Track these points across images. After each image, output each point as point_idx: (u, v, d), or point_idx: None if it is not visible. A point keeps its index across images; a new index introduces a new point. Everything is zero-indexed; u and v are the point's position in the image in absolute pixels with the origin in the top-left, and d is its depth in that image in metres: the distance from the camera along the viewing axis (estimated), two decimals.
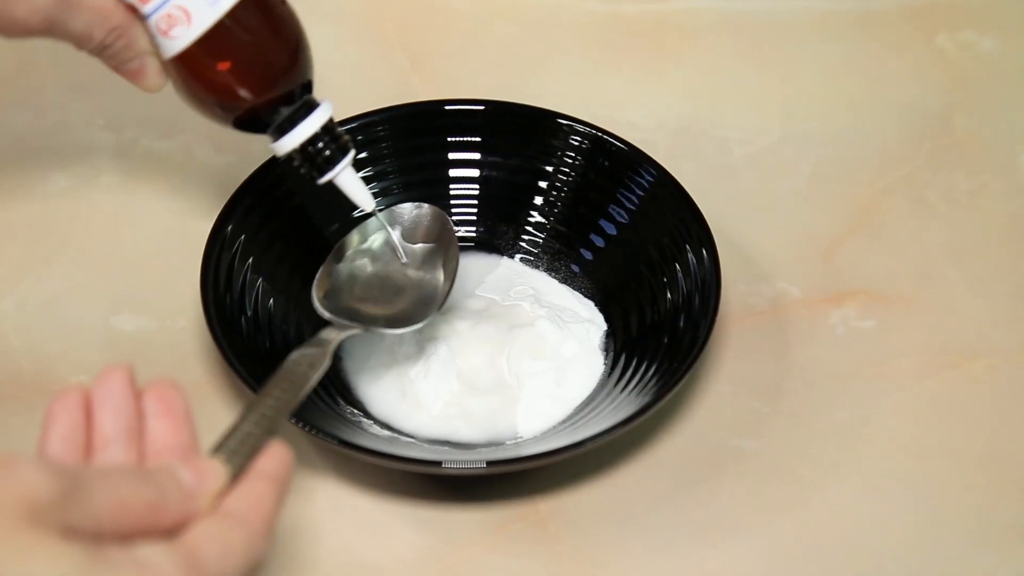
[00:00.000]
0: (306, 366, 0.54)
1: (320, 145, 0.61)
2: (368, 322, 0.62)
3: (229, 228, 0.66)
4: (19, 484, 0.41)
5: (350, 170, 0.62)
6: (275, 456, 0.47)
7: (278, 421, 0.49)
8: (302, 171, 0.62)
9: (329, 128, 0.61)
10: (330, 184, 0.62)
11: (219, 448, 0.47)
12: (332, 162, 0.61)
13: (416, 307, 0.64)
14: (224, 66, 0.58)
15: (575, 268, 0.70)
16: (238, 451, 0.47)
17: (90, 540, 0.42)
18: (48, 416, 0.47)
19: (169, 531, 0.44)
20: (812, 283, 0.71)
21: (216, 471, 0.46)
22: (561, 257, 0.71)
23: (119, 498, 0.43)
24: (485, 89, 0.75)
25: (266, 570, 0.61)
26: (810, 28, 0.84)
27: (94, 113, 0.78)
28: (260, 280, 0.67)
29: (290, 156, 0.61)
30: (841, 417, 0.66)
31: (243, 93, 0.59)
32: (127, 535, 0.43)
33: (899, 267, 0.72)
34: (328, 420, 0.62)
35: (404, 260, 0.65)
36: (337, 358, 0.67)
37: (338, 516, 0.62)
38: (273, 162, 0.69)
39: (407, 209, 0.66)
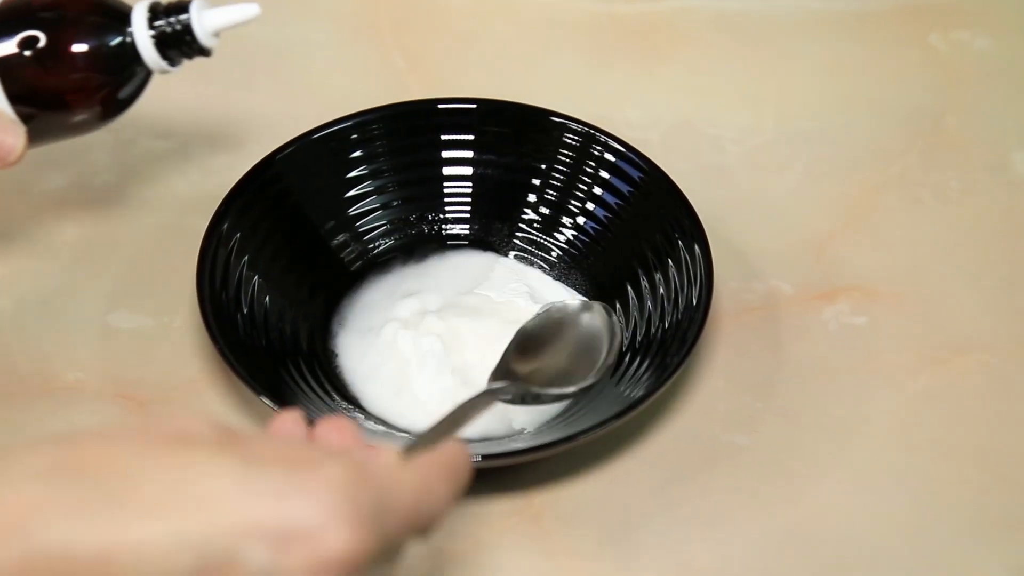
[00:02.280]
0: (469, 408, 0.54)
1: (162, 23, 0.59)
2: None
3: (225, 226, 0.67)
4: (168, 425, 0.43)
5: (205, 11, 0.59)
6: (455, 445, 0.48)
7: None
8: (183, 55, 0.60)
9: (155, 7, 0.59)
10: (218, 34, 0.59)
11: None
12: (187, 26, 0.59)
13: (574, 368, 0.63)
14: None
15: (569, 265, 0.71)
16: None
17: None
18: None
19: None
20: (805, 279, 0.72)
21: (392, 450, 0.46)
22: (555, 254, 0.71)
23: (277, 445, 0.44)
24: (481, 88, 0.75)
25: None
26: (804, 27, 0.85)
27: None
28: (256, 278, 0.67)
29: (169, 58, 0.60)
30: (833, 412, 0.66)
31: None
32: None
33: (891, 264, 0.73)
34: (324, 416, 0.63)
35: None
36: (333, 355, 0.67)
37: None
38: (269, 161, 0.69)
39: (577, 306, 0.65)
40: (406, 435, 0.64)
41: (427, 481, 0.45)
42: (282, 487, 0.42)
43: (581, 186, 0.71)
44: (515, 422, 0.65)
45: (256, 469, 0.42)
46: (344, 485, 0.42)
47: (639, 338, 0.66)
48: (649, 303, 0.67)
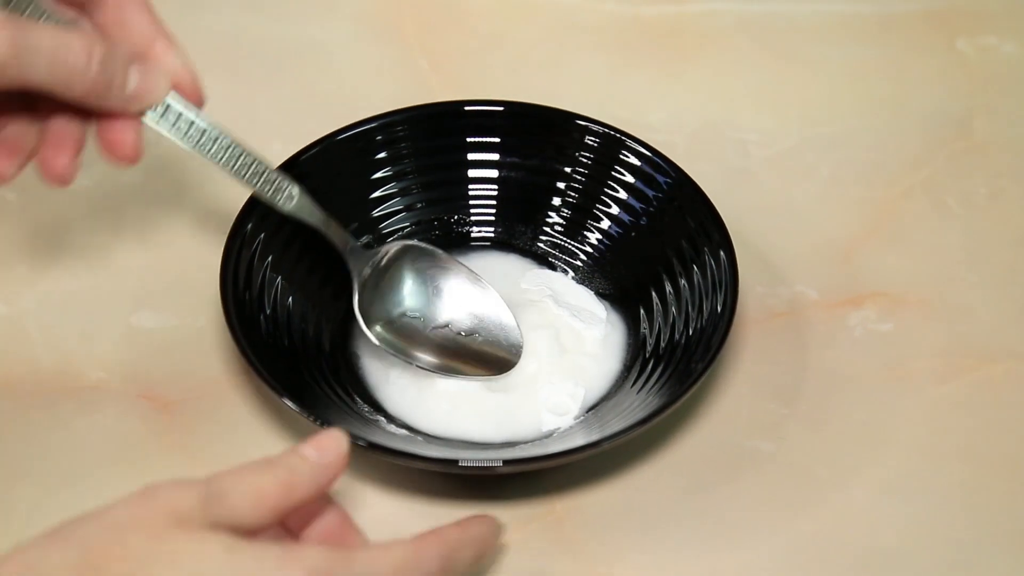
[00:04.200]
0: None
1: None
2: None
3: (249, 227, 0.67)
4: (162, 501, 0.47)
5: None
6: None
7: None
8: None
9: None
10: None
11: None
12: None
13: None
14: None
15: (592, 269, 0.70)
16: None
17: (237, 533, 0.47)
18: None
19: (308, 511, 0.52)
20: (830, 285, 0.71)
21: (336, 438, 0.51)
22: (579, 257, 0.71)
23: (255, 487, 0.48)
24: (503, 90, 0.75)
25: None
26: (829, 31, 0.85)
27: None
28: (279, 278, 0.67)
29: None
30: (859, 419, 0.66)
31: None
32: (281, 523, 0.51)
33: (918, 270, 0.72)
34: (346, 418, 0.63)
35: None
36: (355, 356, 0.67)
37: (356, 514, 0.62)
38: (293, 161, 0.69)
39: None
40: (427, 438, 0.64)
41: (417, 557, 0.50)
42: (264, 565, 0.47)
43: (606, 190, 0.71)
44: (536, 427, 0.65)
45: (239, 552, 0.47)
46: (321, 569, 0.47)
47: (663, 344, 0.66)
48: (673, 308, 0.67)
